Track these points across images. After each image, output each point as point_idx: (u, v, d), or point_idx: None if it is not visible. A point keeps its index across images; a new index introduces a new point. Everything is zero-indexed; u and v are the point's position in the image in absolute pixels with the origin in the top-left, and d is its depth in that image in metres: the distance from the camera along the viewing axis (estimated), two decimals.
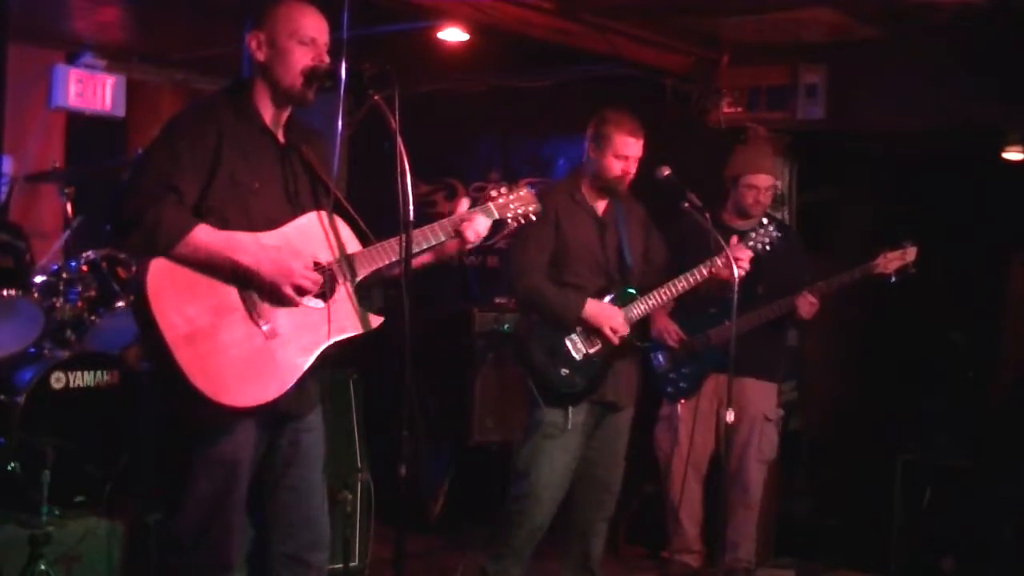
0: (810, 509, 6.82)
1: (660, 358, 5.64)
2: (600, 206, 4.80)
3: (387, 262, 3.42)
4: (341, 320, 3.35)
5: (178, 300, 3.14)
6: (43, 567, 4.16)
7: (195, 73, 7.16)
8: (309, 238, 3.36)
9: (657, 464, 5.74)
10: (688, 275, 4.74)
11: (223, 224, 3.24)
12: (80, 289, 5.17)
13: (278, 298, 3.25)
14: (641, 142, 4.71)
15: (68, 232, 5.38)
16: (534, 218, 3.71)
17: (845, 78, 6.08)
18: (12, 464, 4.59)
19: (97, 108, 6.73)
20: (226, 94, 3.43)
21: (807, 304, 5.36)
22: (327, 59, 3.36)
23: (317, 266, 3.34)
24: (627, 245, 4.78)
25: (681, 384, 5.59)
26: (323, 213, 3.41)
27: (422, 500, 6.21)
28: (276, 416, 3.39)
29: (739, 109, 6.35)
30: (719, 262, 4.69)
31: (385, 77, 3.29)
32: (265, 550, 3.50)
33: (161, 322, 3.11)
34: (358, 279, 3.41)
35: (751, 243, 4.86)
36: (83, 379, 4.88)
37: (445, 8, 5.43)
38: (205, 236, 3.17)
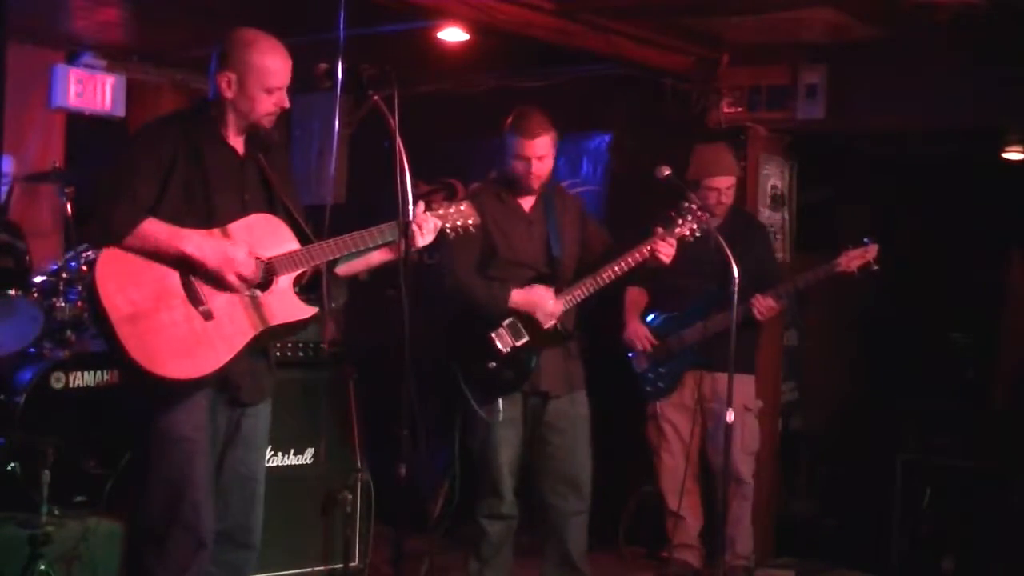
0: (810, 509, 6.81)
1: (637, 360, 5.65)
2: (527, 204, 4.80)
3: (322, 260, 3.64)
4: (275, 308, 3.60)
5: (124, 284, 3.43)
6: (43, 567, 4.15)
7: (195, 73, 7.13)
8: (252, 234, 3.59)
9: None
10: (617, 263, 4.70)
11: (181, 227, 3.49)
12: (80, 289, 5.17)
13: (220, 284, 3.50)
14: (538, 141, 4.64)
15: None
16: (473, 231, 3.97)
17: (845, 78, 6.08)
18: (12, 464, 4.59)
19: (97, 108, 6.73)
20: (190, 112, 3.72)
21: (763, 307, 5.35)
22: (286, 104, 3.61)
23: (257, 260, 3.56)
24: (556, 240, 4.78)
25: (659, 384, 5.62)
26: (267, 216, 3.64)
27: (422, 500, 6.20)
28: (230, 401, 3.62)
29: (739, 109, 6.36)
30: (645, 251, 4.65)
31: (384, 77, 3.36)
32: None
33: (107, 303, 3.40)
34: (296, 274, 3.63)
35: (679, 229, 4.71)
36: (83, 379, 4.89)
37: (445, 8, 5.43)
38: (153, 227, 3.44)
